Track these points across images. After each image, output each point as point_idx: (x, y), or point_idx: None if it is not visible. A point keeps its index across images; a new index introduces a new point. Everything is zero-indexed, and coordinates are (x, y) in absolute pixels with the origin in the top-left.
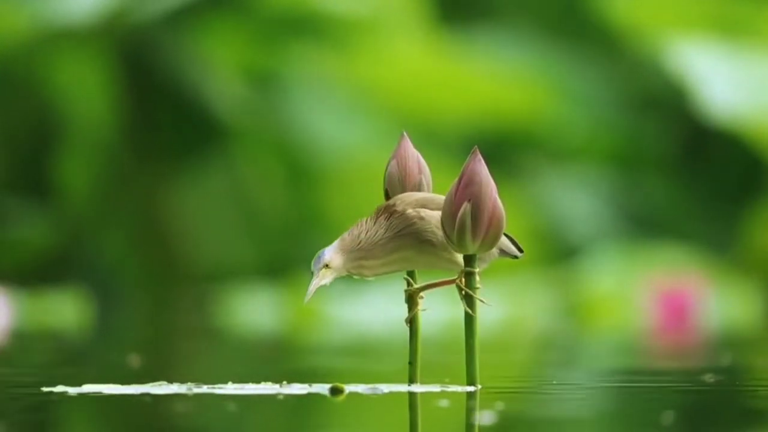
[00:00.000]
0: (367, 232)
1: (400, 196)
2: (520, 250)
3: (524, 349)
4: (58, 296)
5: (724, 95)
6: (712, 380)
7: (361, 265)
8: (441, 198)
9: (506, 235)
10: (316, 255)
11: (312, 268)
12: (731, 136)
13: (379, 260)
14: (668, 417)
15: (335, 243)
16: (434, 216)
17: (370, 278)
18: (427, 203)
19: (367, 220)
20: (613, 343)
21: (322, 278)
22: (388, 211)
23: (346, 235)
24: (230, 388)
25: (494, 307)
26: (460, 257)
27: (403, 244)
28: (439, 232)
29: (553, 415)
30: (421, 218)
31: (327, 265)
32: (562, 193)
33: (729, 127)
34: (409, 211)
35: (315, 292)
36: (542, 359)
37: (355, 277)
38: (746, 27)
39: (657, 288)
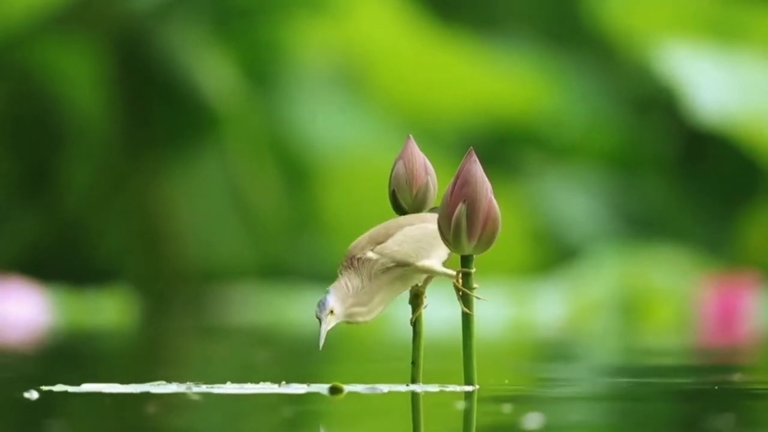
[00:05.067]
0: (351, 280)
1: (351, 246)
2: None
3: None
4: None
5: (716, 98)
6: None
7: (353, 313)
8: (387, 225)
9: None
10: (319, 302)
11: (318, 314)
12: (725, 138)
13: (368, 305)
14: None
15: (332, 291)
16: (391, 245)
17: (362, 323)
18: (378, 238)
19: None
20: (671, 346)
21: (328, 324)
22: (352, 260)
23: (338, 282)
24: (229, 388)
25: (553, 310)
26: (436, 263)
27: (380, 284)
28: (404, 250)
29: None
30: (381, 255)
31: (332, 311)
32: (558, 193)
33: (721, 129)
34: (368, 254)
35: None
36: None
37: (352, 324)
38: (737, 30)
39: (708, 289)
